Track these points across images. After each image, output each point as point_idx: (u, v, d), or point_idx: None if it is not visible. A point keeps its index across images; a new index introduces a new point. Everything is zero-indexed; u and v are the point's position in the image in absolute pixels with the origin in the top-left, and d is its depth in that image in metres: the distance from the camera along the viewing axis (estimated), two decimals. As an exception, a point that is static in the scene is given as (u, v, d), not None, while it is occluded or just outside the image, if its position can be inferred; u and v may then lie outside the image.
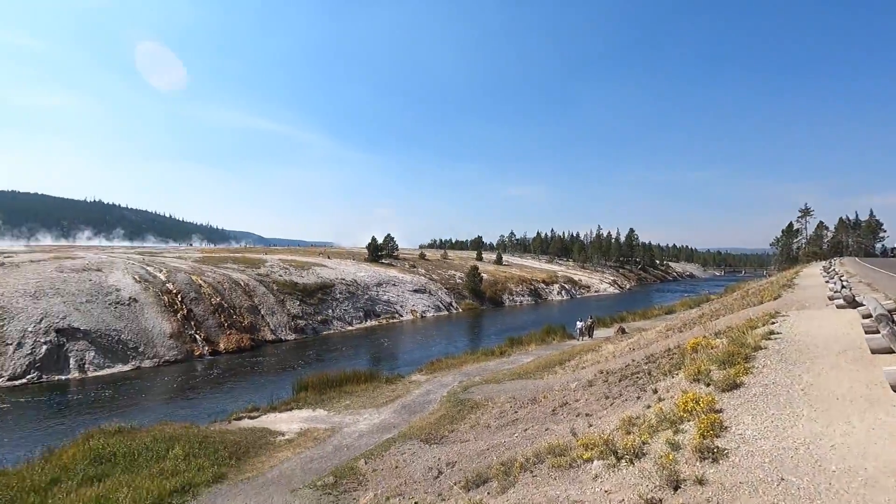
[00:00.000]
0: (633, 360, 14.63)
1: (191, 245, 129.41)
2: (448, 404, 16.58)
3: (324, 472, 10.82)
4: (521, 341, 29.89)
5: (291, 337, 35.88)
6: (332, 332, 39.55)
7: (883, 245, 74.30)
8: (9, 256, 35.94)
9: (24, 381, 22.89)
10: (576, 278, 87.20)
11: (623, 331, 31.50)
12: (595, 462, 5.02)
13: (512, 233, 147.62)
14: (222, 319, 32.92)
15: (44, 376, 23.48)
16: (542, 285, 75.30)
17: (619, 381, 10.95)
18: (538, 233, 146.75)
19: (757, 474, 3.48)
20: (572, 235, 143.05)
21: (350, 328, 41.30)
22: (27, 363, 23.56)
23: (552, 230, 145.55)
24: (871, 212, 76.18)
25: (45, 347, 24.42)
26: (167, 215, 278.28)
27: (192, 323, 31.26)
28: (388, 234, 68.76)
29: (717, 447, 4.04)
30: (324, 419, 15.62)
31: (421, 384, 20.13)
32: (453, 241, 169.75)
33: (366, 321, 43.67)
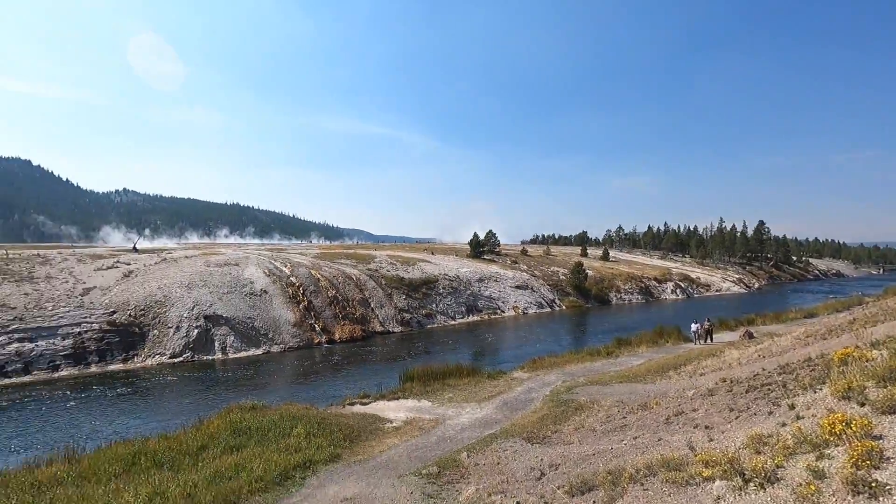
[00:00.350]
0: (764, 370, 13.05)
1: (311, 242, 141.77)
2: (551, 404, 16.22)
3: (428, 461, 11.20)
4: (630, 342, 28.21)
5: (398, 329, 37.64)
6: (435, 325, 40.77)
7: None
8: (169, 253, 42.37)
9: (181, 359, 26.87)
10: (693, 276, 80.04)
11: (750, 335, 28.25)
12: (717, 482, 4.56)
13: (620, 227, 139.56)
14: (337, 311, 35.58)
15: (195, 356, 27.35)
16: (654, 283, 70.29)
17: (746, 391, 9.83)
18: (649, 227, 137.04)
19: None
20: (689, 229, 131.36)
21: (453, 322, 42.22)
22: (183, 344, 27.60)
23: (665, 223, 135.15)
24: None
25: (196, 331, 28.41)
26: (291, 215, 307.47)
27: (312, 313, 34.22)
28: (490, 231, 68.99)
29: (876, 481, 3.42)
30: (428, 410, 16.15)
31: (523, 381, 19.93)
32: (556, 237, 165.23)
33: (468, 316, 44.33)
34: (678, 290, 70.95)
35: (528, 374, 21.25)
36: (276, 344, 30.22)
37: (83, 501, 8.78)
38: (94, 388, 22.15)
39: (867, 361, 7.78)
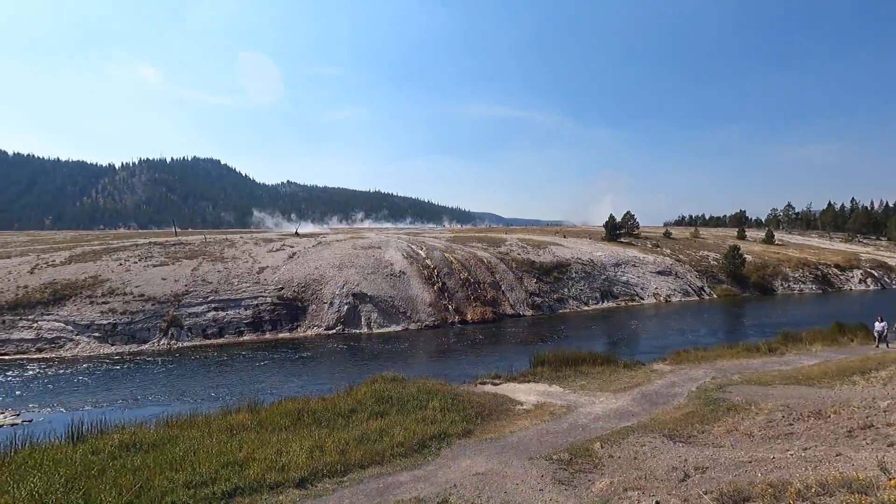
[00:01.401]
0: None
1: (444, 226, 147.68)
2: (697, 401, 14.82)
3: (559, 447, 11.07)
4: (801, 338, 24.33)
5: (528, 313, 37.51)
6: (567, 310, 39.73)
7: None
8: (323, 237, 47.70)
9: (334, 331, 30.28)
10: (891, 262, 65.56)
11: (979, 338, 22.40)
12: (919, 514, 3.76)
13: (789, 205, 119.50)
14: (469, 293, 36.68)
15: (345, 329, 30.58)
16: (835, 270, 59.22)
17: (969, 409, 7.85)
18: (830, 203, 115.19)
19: None
20: (886, 205, 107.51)
21: (586, 308, 40.70)
22: (335, 318, 31.03)
23: (852, 199, 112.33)
24: None
25: (346, 307, 31.69)
26: (426, 200, 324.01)
27: (445, 294, 35.78)
28: (628, 212, 64.49)
29: None
30: (559, 396, 15.91)
31: (664, 374, 18.51)
32: (706, 217, 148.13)
33: (602, 302, 42.31)
34: (869, 280, 58.85)
35: (671, 367, 19.65)
36: (413, 322, 32.31)
37: (262, 446, 10.47)
38: (268, 352, 26.14)
39: None
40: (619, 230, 61.87)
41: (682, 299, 46.01)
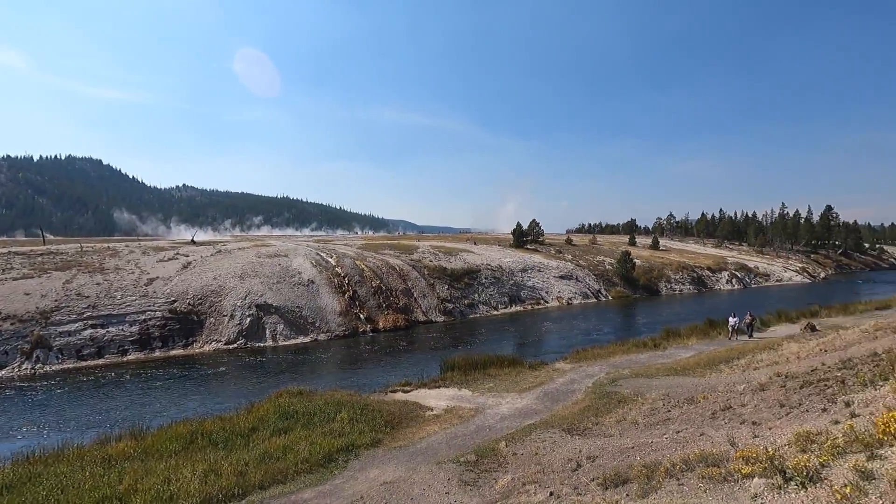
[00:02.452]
0: (823, 364, 12.29)
1: (356, 233, 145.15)
2: (593, 395, 15.97)
3: (467, 449, 11.34)
4: (680, 334, 27.22)
5: (440, 319, 38.01)
6: (477, 315, 40.85)
7: None
8: (223, 245, 44.61)
9: (235, 345, 28.35)
10: (751, 265, 75.85)
11: (812, 328, 26.59)
12: (756, 479, 4.38)
13: (671, 214, 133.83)
14: (381, 300, 36.34)
15: (248, 342, 28.77)
16: (708, 272, 67.18)
17: (801, 387, 9.30)
18: (703, 214, 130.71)
19: None
20: (747, 215, 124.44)
21: (495, 312, 42.16)
22: (237, 331, 29.09)
23: (720, 210, 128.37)
24: None
25: (248, 319, 29.85)
26: (337, 206, 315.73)
27: (357, 303, 35.12)
28: (534, 220, 68.10)
29: (929, 484, 3.19)
30: (468, 399, 16.30)
31: (565, 372, 19.70)
32: (603, 225, 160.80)
33: (511, 306, 44.11)
34: (734, 280, 67.52)
35: (571, 366, 20.97)
36: (322, 332, 31.28)
37: (147, 475, 9.51)
38: (158, 371, 23.79)
39: (938, 357, 7.18)
40: (525, 237, 65.06)
41: (582, 301, 49.40)
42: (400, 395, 16.94)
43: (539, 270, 51.80)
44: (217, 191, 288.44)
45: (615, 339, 28.54)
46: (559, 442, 11.05)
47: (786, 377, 11.42)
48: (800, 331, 26.93)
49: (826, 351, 16.82)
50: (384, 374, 22.68)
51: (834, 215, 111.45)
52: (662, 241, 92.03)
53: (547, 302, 47.04)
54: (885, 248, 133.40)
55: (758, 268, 75.55)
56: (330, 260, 40.06)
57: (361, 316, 34.16)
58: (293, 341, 29.79)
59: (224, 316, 29.76)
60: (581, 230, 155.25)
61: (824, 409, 6.78)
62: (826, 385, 8.50)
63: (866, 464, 3.87)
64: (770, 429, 6.59)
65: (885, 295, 46.90)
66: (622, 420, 12.41)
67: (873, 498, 3.31)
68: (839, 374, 9.22)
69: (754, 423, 7.45)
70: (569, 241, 74.88)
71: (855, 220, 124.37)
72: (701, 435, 7.49)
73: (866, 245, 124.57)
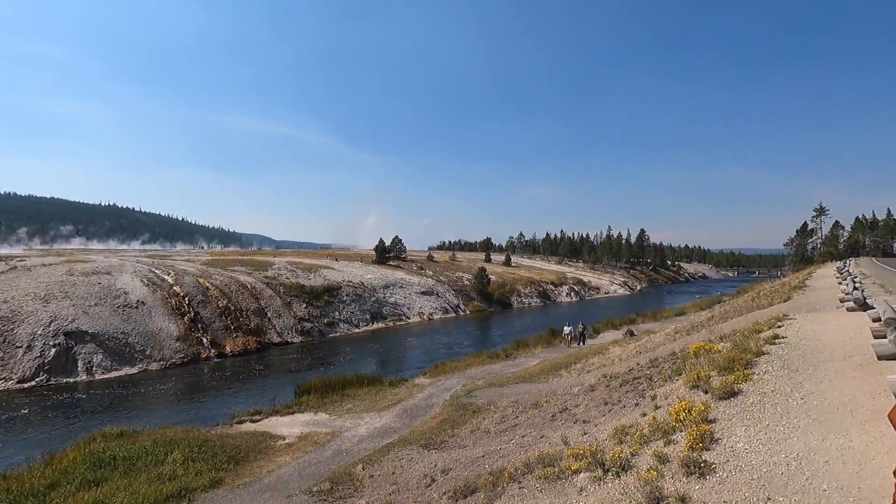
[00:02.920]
0: (638, 364, 14.34)
1: (202, 248, 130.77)
2: (450, 408, 16.42)
3: (321, 477, 10.72)
4: (527, 344, 29.63)
5: (297, 339, 35.94)
6: (338, 334, 39.57)
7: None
8: (22, 260, 36.51)
9: (33, 383, 23.16)
10: (585, 280, 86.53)
11: (631, 333, 31.08)
12: (582, 474, 4.83)
13: (521, 234, 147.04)
14: (229, 322, 33.08)
15: (52, 379, 23.74)
16: (551, 287, 74.81)
17: (620, 385, 10.71)
18: (547, 234, 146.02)
19: (743, 493, 3.28)
20: (582, 236, 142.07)
21: (357, 330, 41.29)
22: (36, 366, 23.84)
23: (561, 231, 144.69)
24: (889, 211, 74.57)
25: (53, 350, 24.70)
26: (180, 218, 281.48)
27: (199, 325, 31.44)
28: (396, 237, 68.87)
29: (705, 461, 3.84)
30: (325, 423, 15.54)
31: (424, 387, 19.98)
32: (462, 243, 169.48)
33: (372, 323, 43.64)
34: (572, 294, 76.18)
35: (430, 380, 21.37)
36: (154, 361, 27.27)
37: None
38: (-89, 424, 18.29)
39: (714, 353, 8.85)
40: (388, 253, 65.37)
41: (443, 316, 51.07)
42: (248, 426, 15.46)
43: (401, 287, 52.32)
44: (15, 194, 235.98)
45: (472, 352, 29.93)
46: (416, 458, 11.07)
47: (610, 378, 13.06)
48: (622, 336, 31.28)
49: (640, 353, 19.73)
50: (230, 403, 20.51)
51: (646, 237, 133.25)
52: (514, 259, 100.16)
53: (409, 318, 47.60)
54: (682, 265, 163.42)
55: (591, 282, 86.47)
56: (166, 278, 35.37)
57: (205, 340, 30.64)
58: (116, 373, 25.41)
59: (18, 347, 24.20)
60: (442, 247, 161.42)
61: (637, 404, 7.86)
62: (639, 382, 9.91)
63: (664, 449, 4.54)
64: (596, 426, 7.41)
65: (682, 303, 57.19)
66: (476, 430, 12.92)
67: (668, 477, 3.86)
68: (648, 373, 10.84)
69: (584, 421, 8.32)
70: (430, 258, 77.22)
71: (660, 242, 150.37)
72: (541, 437, 8.12)
73: (669, 262, 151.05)
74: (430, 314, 50.01)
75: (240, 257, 55.47)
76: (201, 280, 36.23)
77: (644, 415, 6.50)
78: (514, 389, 18.31)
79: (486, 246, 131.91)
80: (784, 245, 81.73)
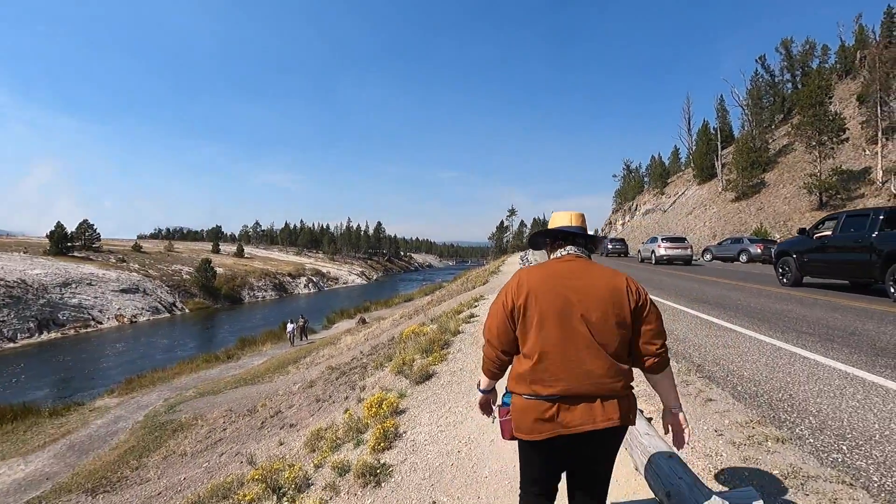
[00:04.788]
0: (361, 353, 14.36)
1: None
2: (142, 431, 13.26)
3: None
4: (255, 341, 27.21)
5: None
6: (-23, 353, 28.38)
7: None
8: None
9: None
10: (324, 270, 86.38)
11: (363, 321, 32.00)
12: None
13: (257, 223, 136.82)
14: None
15: None
16: (289, 279, 71.82)
17: (338, 378, 10.29)
18: (286, 223, 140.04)
19: (412, 499, 2.92)
20: (323, 227, 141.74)
21: (12, 345, 30.47)
22: None
23: (301, 221, 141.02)
24: (545, 213, 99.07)
25: None
26: None
27: None
28: (85, 220, 54.13)
29: (384, 465, 3.43)
30: (-86, 491, 10.39)
31: (108, 410, 15.81)
32: (185, 231, 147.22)
33: (40, 334, 32.99)
34: (311, 285, 74.88)
35: (119, 400, 17.08)
36: None
37: None
38: None
39: (422, 336, 9.21)
40: (71, 241, 50.81)
41: (152, 318, 42.69)
42: None
43: (90, 284, 41.35)
44: None
45: (188, 357, 25.66)
46: (69, 513, 8.25)
47: (332, 369, 12.61)
48: (355, 324, 31.91)
49: (368, 340, 20.17)
50: None
51: (383, 230, 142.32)
52: (248, 249, 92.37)
53: (101, 322, 37.99)
54: (413, 255, 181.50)
55: (330, 273, 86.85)
56: None
57: None
58: None
59: None
60: (157, 236, 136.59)
61: (346, 398, 7.43)
62: (354, 373, 9.64)
63: (349, 455, 4.01)
64: (299, 430, 6.63)
65: (411, 290, 62.76)
66: (171, 454, 10.60)
67: (343, 494, 3.29)
68: (366, 361, 10.75)
69: (291, 425, 7.45)
70: (137, 248, 63.86)
71: (395, 234, 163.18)
72: (236, 454, 6.87)
73: (402, 253, 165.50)
74: (134, 316, 41.12)
75: None
76: None
77: (346, 411, 6.02)
78: (232, 395, 16.17)
79: (216, 235, 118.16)
80: (488, 238, 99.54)
